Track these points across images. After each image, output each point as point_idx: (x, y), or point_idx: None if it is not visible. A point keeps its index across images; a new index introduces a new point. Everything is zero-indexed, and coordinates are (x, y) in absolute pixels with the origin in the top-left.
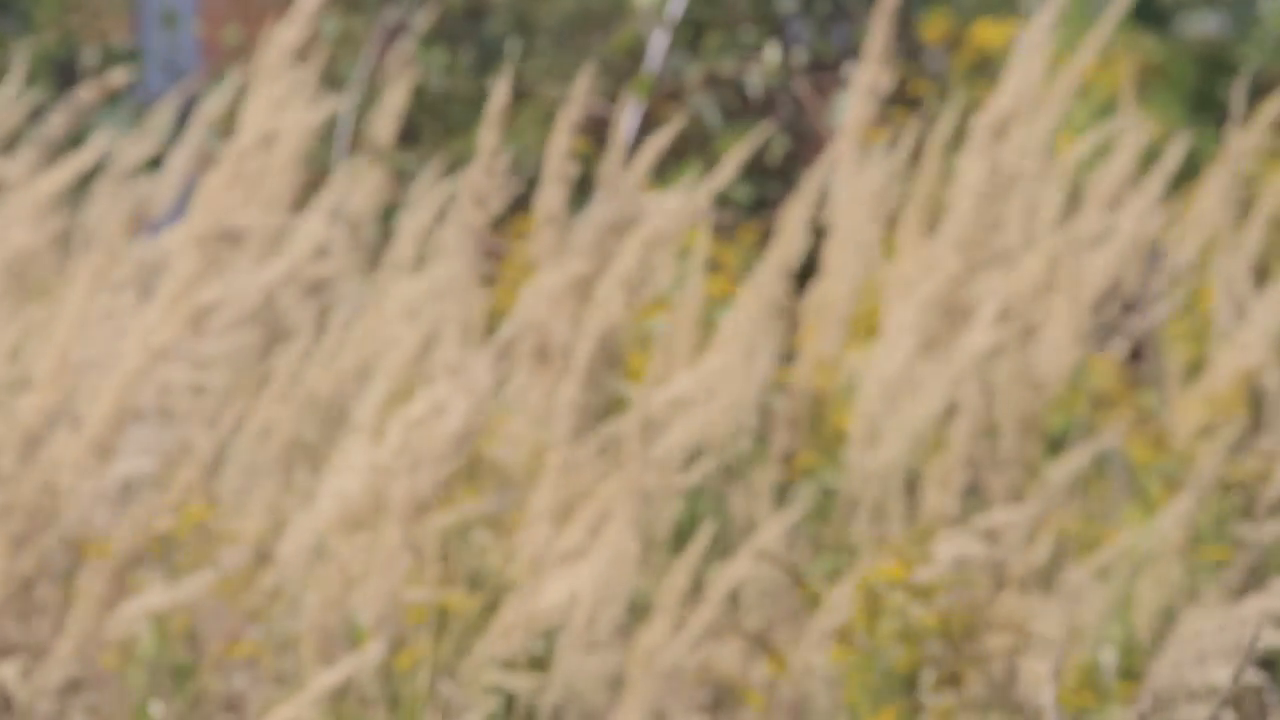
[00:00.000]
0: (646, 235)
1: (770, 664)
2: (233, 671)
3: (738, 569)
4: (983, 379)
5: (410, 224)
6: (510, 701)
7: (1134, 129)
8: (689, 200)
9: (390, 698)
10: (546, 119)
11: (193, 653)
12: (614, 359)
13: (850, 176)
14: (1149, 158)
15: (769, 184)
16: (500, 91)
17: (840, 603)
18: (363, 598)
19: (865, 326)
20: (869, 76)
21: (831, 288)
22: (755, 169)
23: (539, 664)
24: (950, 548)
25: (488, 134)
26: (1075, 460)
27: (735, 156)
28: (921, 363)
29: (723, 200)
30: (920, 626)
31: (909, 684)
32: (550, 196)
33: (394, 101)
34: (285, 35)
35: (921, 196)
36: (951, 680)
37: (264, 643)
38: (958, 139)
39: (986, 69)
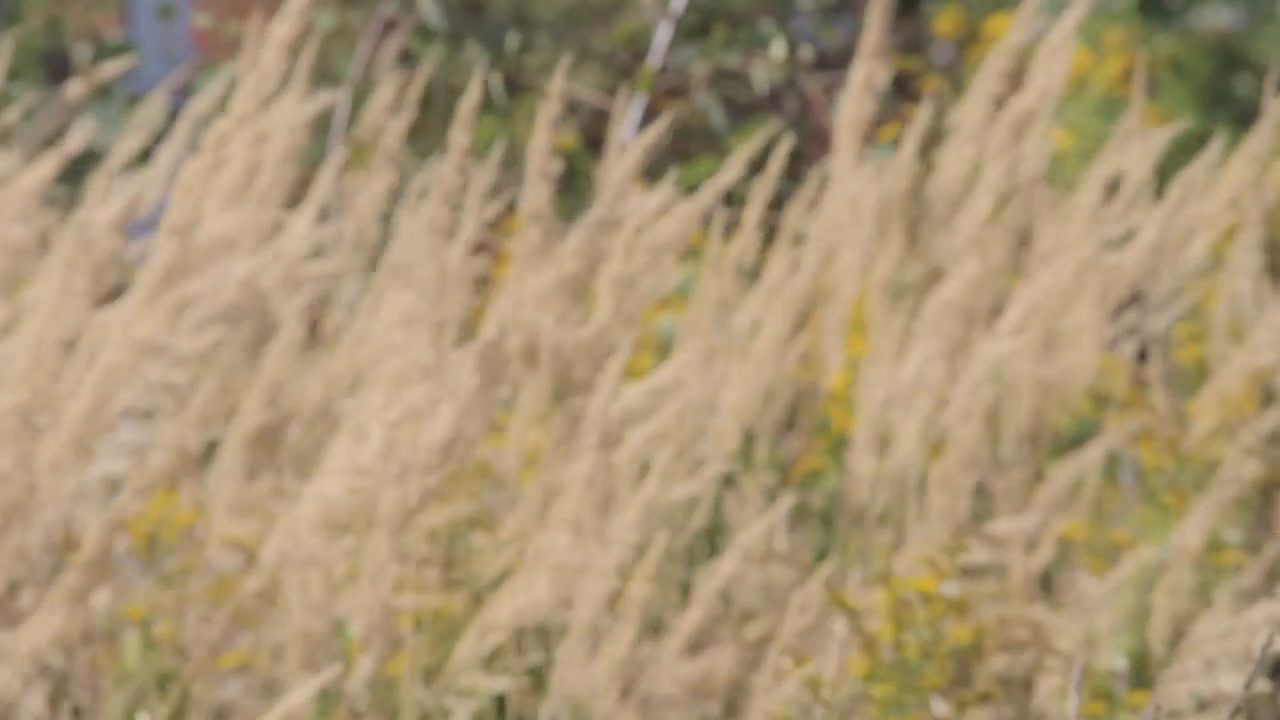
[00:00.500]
0: (636, 232)
1: (783, 671)
2: (221, 680)
3: (726, 567)
4: (1001, 383)
5: (407, 222)
6: (503, 706)
7: (1144, 127)
8: (692, 199)
9: (381, 706)
10: None
11: (180, 660)
12: (607, 360)
13: (846, 174)
14: (1164, 155)
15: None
16: (473, 89)
17: (868, 611)
18: (351, 605)
19: (859, 327)
20: (864, 72)
21: (831, 287)
22: (761, 167)
23: (532, 672)
24: (981, 558)
25: (460, 132)
26: (1085, 463)
27: (740, 156)
28: (938, 367)
29: (727, 199)
30: (953, 640)
31: (925, 696)
32: (535, 194)
33: (388, 96)
34: (278, 30)
35: (901, 193)
36: (982, 697)
37: (252, 650)
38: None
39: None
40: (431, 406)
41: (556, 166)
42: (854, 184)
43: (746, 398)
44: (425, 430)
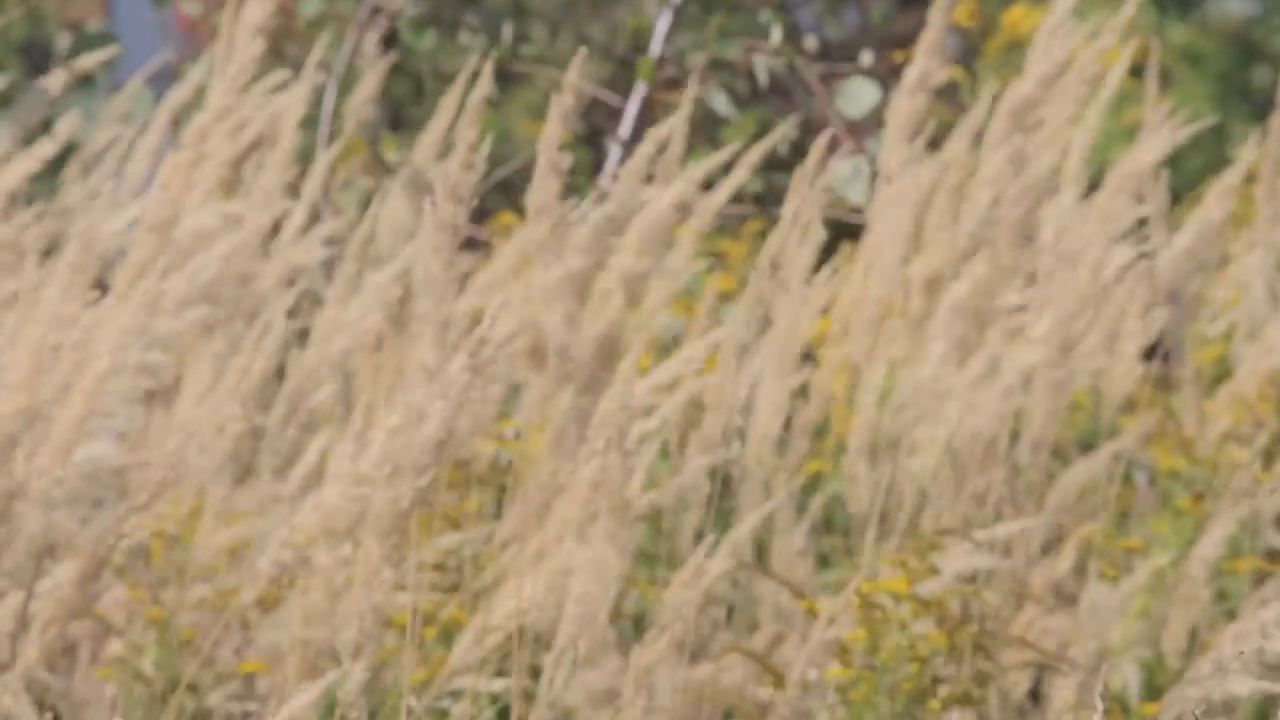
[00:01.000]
0: (644, 229)
1: (772, 682)
2: (213, 688)
3: (716, 567)
4: (1025, 390)
5: (389, 214)
6: (505, 713)
7: (1157, 120)
8: (705, 196)
9: (376, 712)
10: (540, 106)
11: (173, 669)
12: (612, 359)
13: (896, 171)
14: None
15: (775, 174)
16: (484, 80)
17: (842, 616)
18: (344, 610)
19: (889, 329)
20: (921, 69)
21: (863, 288)
22: (761, 159)
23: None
24: (959, 559)
25: (467, 126)
26: (1097, 467)
27: (752, 153)
28: (949, 371)
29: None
30: (927, 643)
31: (918, 702)
32: (543, 188)
33: (374, 86)
34: (251, 14)
35: (945, 190)
36: (964, 699)
37: (248, 658)
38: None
39: (1017, 55)
40: (427, 406)
41: (567, 160)
42: (903, 182)
43: (776, 399)
44: (418, 431)
